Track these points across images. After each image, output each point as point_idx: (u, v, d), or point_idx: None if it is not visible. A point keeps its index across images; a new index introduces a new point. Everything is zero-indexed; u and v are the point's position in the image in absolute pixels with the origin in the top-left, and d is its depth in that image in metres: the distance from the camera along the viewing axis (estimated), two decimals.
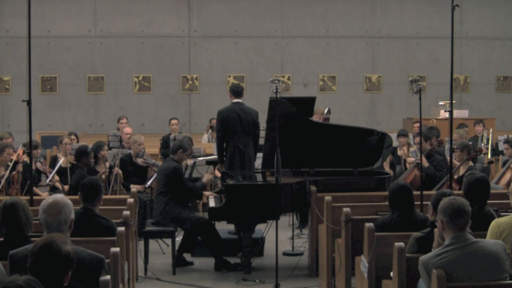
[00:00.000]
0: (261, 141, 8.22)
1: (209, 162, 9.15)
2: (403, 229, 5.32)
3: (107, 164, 9.02)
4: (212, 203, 7.51)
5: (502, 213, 5.31)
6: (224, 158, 8.17)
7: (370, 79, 16.26)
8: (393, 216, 5.49)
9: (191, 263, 7.83)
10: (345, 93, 16.21)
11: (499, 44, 16.43)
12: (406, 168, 9.74)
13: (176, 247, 7.66)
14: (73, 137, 10.68)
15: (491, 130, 11.53)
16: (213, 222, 7.71)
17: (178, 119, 12.16)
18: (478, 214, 5.03)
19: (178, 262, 7.75)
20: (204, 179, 7.91)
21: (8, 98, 15.46)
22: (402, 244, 4.61)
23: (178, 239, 8.22)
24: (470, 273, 3.94)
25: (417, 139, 8.86)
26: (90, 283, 3.70)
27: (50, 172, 8.86)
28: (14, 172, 8.37)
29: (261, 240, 7.98)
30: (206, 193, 7.99)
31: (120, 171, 8.90)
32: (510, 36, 16.39)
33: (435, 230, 4.46)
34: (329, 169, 8.09)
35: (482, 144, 11.30)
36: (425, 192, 6.55)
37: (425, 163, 8.58)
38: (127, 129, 10.91)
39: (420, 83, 6.51)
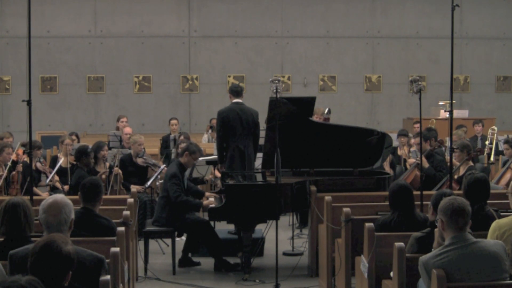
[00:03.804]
0: (261, 141, 8.22)
1: (209, 162, 9.15)
2: (403, 229, 5.32)
3: (107, 164, 9.03)
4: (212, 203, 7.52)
5: (502, 213, 5.31)
6: (224, 158, 8.17)
7: (370, 79, 16.27)
8: (393, 216, 5.49)
9: (198, 263, 7.81)
10: (345, 93, 16.21)
11: (499, 44, 16.44)
12: (406, 168, 9.73)
13: (177, 247, 7.64)
14: (74, 137, 10.69)
15: (495, 130, 11.43)
16: (212, 222, 7.71)
17: (178, 119, 12.16)
18: (478, 214, 5.02)
19: (184, 262, 7.75)
20: (204, 203, 7.63)
21: (8, 98, 15.47)
22: (402, 244, 4.61)
23: (179, 239, 8.23)
24: (470, 273, 3.94)
25: (417, 139, 8.85)
26: (90, 283, 3.70)
27: (50, 172, 8.86)
28: (14, 172, 8.38)
29: (261, 240, 7.98)
30: (207, 193, 7.99)
31: (120, 171, 8.90)
32: (510, 36, 16.39)
33: (435, 230, 4.46)
34: (329, 169, 8.09)
35: (487, 143, 11.28)
36: (425, 192, 6.55)
37: (426, 164, 8.57)
38: (127, 129, 10.92)
39: (420, 83, 6.51)
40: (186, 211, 7.53)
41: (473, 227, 4.28)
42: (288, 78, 16.06)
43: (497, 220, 4.79)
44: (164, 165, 9.44)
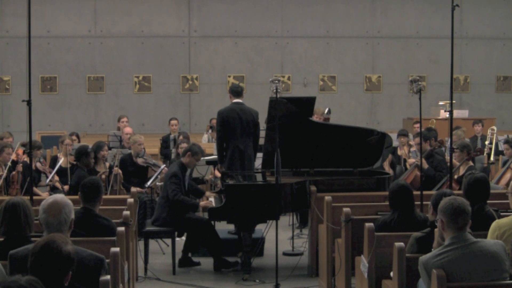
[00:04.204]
0: (261, 141, 8.22)
1: (209, 162, 9.15)
2: (403, 229, 5.32)
3: (107, 164, 9.03)
4: (212, 203, 7.51)
5: (502, 213, 5.31)
6: (224, 158, 8.17)
7: (370, 79, 16.26)
8: (393, 216, 5.50)
9: (198, 263, 7.81)
10: (345, 93, 16.21)
11: (499, 44, 16.43)
12: (406, 168, 9.73)
13: (177, 247, 7.64)
14: (74, 137, 10.68)
15: (495, 130, 11.42)
16: (212, 222, 7.71)
17: (177, 119, 12.17)
18: (478, 214, 5.02)
19: (184, 262, 7.74)
20: (201, 203, 7.64)
21: (8, 98, 15.47)
22: (402, 244, 4.61)
23: (179, 239, 8.22)
24: (470, 273, 3.94)
25: (416, 139, 8.85)
26: (90, 283, 3.70)
27: (50, 172, 8.86)
28: (14, 172, 8.38)
29: (261, 240, 7.98)
30: (207, 193, 7.98)
31: (120, 171, 8.90)
32: (510, 36, 16.39)
33: (435, 230, 4.46)
34: (329, 169, 8.09)
35: (486, 143, 11.27)
36: (425, 192, 6.55)
37: (425, 165, 8.57)
38: (128, 129, 10.92)
39: (420, 83, 6.51)
40: (185, 210, 7.53)
41: (473, 227, 4.28)
42: (288, 78, 16.06)
43: (497, 220, 4.79)
44: (164, 165, 9.45)
